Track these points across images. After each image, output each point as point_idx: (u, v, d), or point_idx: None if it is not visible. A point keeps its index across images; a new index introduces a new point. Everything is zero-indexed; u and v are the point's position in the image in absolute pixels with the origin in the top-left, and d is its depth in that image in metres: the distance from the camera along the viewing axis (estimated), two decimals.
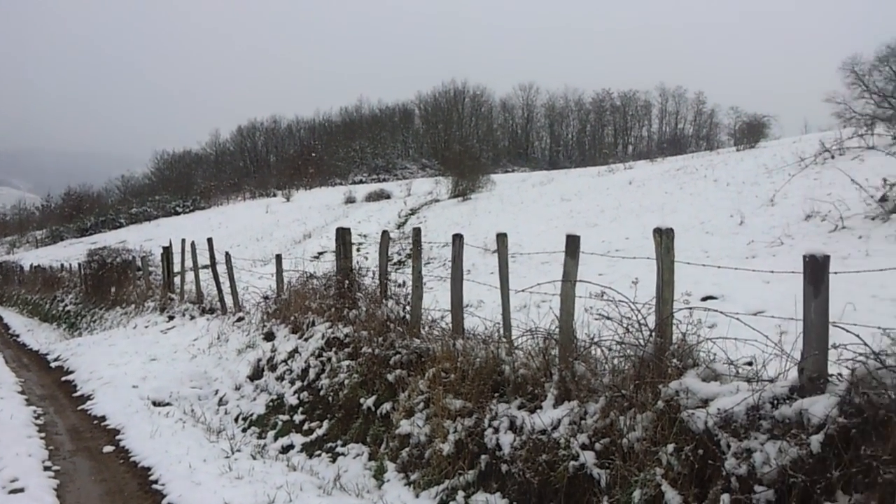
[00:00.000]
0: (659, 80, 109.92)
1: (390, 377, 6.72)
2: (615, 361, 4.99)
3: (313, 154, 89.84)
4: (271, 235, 34.50)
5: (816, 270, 3.79)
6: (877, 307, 7.41)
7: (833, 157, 19.52)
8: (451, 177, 42.03)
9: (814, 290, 3.81)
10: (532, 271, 13.33)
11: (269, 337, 9.85)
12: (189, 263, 15.91)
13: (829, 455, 3.48)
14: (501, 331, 6.34)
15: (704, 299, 8.97)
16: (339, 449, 6.76)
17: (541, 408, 5.17)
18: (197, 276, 15.42)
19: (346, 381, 7.32)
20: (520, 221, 23.66)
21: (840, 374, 3.78)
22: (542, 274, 10.80)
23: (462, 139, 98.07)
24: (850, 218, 12.20)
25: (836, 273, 3.92)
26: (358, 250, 23.14)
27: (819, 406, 3.58)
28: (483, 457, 5.25)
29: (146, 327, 14.65)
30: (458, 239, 6.91)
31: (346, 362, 7.58)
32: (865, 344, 3.72)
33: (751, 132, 37.57)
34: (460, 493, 5.16)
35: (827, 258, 3.81)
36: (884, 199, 12.25)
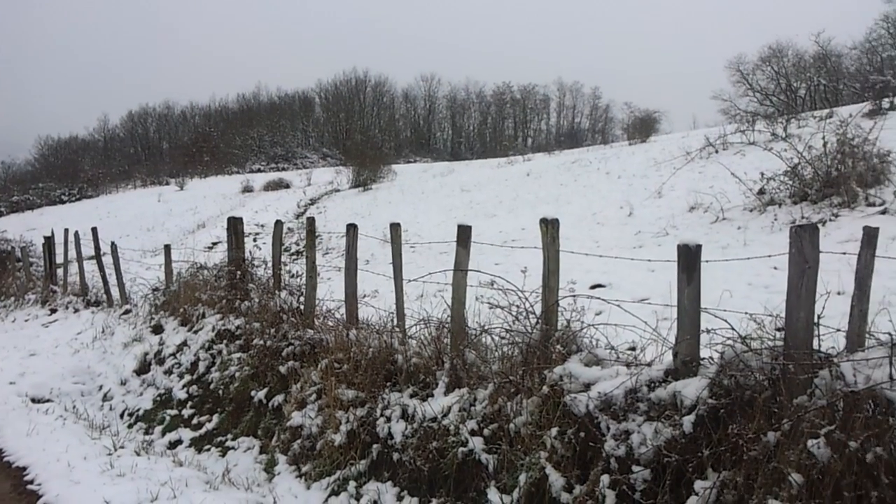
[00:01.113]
0: (557, 75, 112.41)
1: (282, 369, 6.63)
2: (504, 348, 5.09)
3: (209, 141, 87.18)
4: (163, 225, 33.30)
5: (689, 259, 3.97)
6: (751, 293, 7.83)
7: (717, 151, 20.49)
8: (352, 167, 41.67)
9: (687, 278, 4.00)
10: (431, 261, 13.41)
11: (158, 330, 9.53)
12: (73, 254, 15.17)
13: (700, 434, 3.66)
14: (395, 320, 6.35)
15: (594, 287, 9.26)
16: (229, 443, 6.62)
17: (432, 396, 5.22)
18: (81, 268, 14.73)
19: (237, 374, 7.17)
20: (420, 212, 23.74)
21: (711, 358, 3.99)
22: (440, 264, 10.88)
23: (364, 129, 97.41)
24: (731, 209, 12.84)
25: (707, 261, 4.13)
26: (255, 240, 22.65)
27: (691, 388, 3.77)
28: (375, 446, 5.26)
29: (26, 321, 13.89)
30: (352, 229, 6.87)
31: (238, 355, 7.42)
32: (734, 329, 3.94)
33: (642, 127, 38.98)
34: (352, 483, 5.15)
35: (699, 247, 4.00)
36: (761, 192, 12.95)
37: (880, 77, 24.04)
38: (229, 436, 6.73)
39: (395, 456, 5.05)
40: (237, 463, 6.13)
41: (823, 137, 12.17)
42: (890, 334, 3.36)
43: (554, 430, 4.18)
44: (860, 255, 3.63)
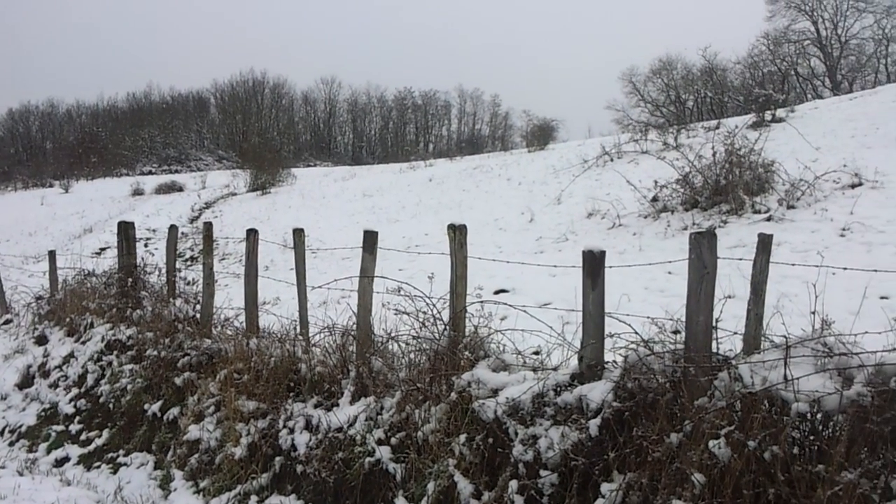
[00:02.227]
0: (458, 82, 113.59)
1: (178, 381, 6.34)
2: (411, 355, 5.04)
3: (96, 142, 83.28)
4: (47, 230, 31.53)
5: (593, 265, 4.04)
6: (649, 298, 8.07)
7: (612, 160, 21.14)
8: (249, 170, 40.67)
9: (591, 283, 4.06)
10: (333, 267, 13.24)
11: (42, 341, 8.96)
12: None
13: (606, 437, 3.72)
14: (298, 328, 6.20)
15: (497, 293, 9.34)
16: (121, 459, 6.28)
17: (338, 405, 5.11)
18: None
19: (130, 387, 6.82)
20: (321, 217, 23.42)
21: (615, 361, 4.06)
22: (343, 269, 10.75)
23: (262, 131, 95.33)
24: (626, 216, 13.25)
25: (611, 267, 4.21)
26: (146, 246, 21.75)
27: (596, 392, 3.82)
28: (278, 459, 5.10)
29: None
30: (252, 234, 6.67)
31: (130, 366, 7.07)
32: (636, 332, 4.02)
33: (541, 135, 39.79)
34: (253, 498, 4.97)
35: (603, 253, 4.07)
36: (655, 199, 13.43)
37: (762, 91, 25.43)
38: (121, 452, 6.39)
39: (299, 468, 4.91)
40: (130, 480, 5.82)
41: (712, 147, 12.73)
42: (784, 337, 3.50)
43: (462, 437, 4.16)
44: (756, 261, 3.78)
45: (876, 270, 4.89)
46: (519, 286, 9.53)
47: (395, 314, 5.24)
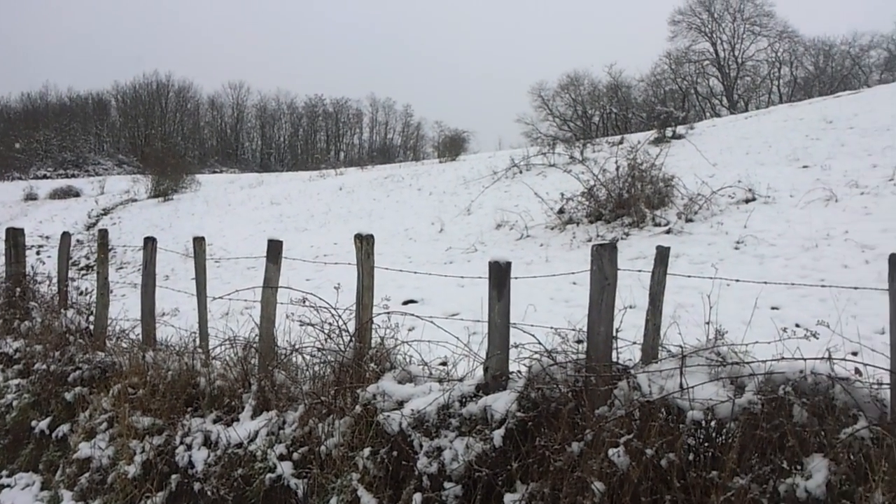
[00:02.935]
0: (370, 91, 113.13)
1: (69, 396, 6.03)
2: (316, 368, 4.93)
3: None
4: None
5: (499, 275, 4.06)
6: (554, 308, 8.21)
7: (521, 172, 21.48)
8: (151, 175, 39.28)
9: (497, 294, 4.08)
10: (237, 277, 12.91)
11: None
12: None
13: (510, 448, 3.74)
14: (198, 340, 5.99)
15: (406, 303, 9.30)
16: (4, 480, 5.92)
17: (238, 420, 4.96)
18: None
19: (16, 403, 6.44)
20: (226, 225, 22.83)
21: (520, 371, 4.09)
22: (247, 279, 10.48)
23: (165, 136, 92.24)
24: (534, 227, 13.47)
25: (516, 278, 4.24)
26: (38, 254, 20.67)
27: (501, 402, 3.83)
28: (174, 476, 4.90)
29: None
30: (150, 242, 6.42)
31: (16, 381, 6.68)
32: (540, 343, 4.06)
33: (453, 146, 40.10)
34: None
35: (508, 264, 4.10)
36: (561, 211, 13.71)
37: (664, 108, 26.43)
38: (4, 472, 6.02)
39: (197, 486, 4.74)
40: (14, 502, 5.48)
41: (616, 162, 13.12)
42: (680, 346, 3.61)
43: (366, 451, 4.10)
44: (653, 273, 3.88)
45: (766, 283, 5.11)
46: (428, 297, 9.52)
47: (300, 326, 5.13)
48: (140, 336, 6.42)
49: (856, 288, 4.64)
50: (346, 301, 5.03)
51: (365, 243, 4.80)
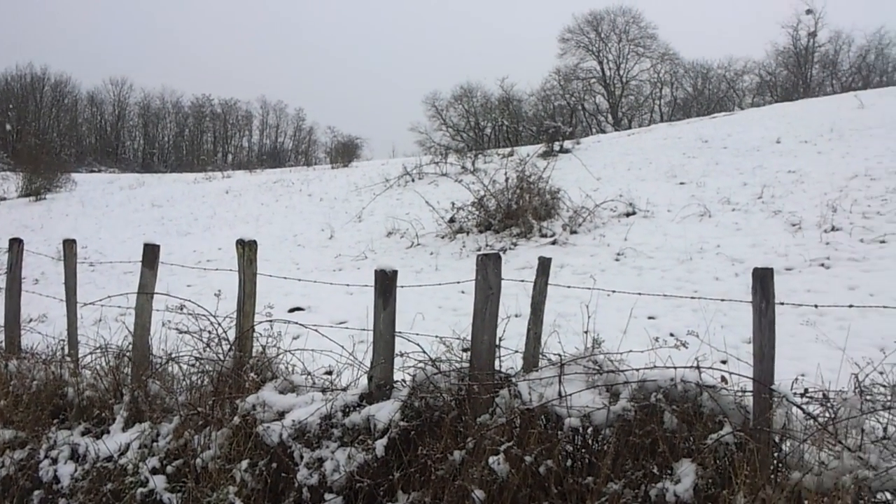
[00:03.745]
0: (261, 93, 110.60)
1: None
2: (193, 378, 4.76)
3: None
4: None
5: (385, 284, 4.04)
6: (442, 316, 8.25)
7: (413, 180, 21.54)
8: (23, 173, 36.97)
9: (383, 303, 4.06)
10: (113, 282, 12.30)
11: None
12: None
13: (392, 457, 3.71)
14: (67, 349, 5.65)
15: (292, 311, 9.12)
16: None
17: (108, 432, 4.71)
18: None
19: None
20: (103, 227, 21.75)
21: (404, 381, 4.08)
22: (124, 285, 10.00)
23: (39, 132, 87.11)
24: (425, 236, 13.52)
25: (402, 287, 4.23)
26: None
27: (384, 412, 3.81)
28: (37, 493, 4.60)
29: None
30: (16, 244, 6.03)
31: None
32: (425, 352, 4.07)
33: (345, 152, 39.81)
34: None
35: (395, 273, 4.09)
36: (452, 220, 13.84)
37: (553, 123, 27.16)
38: None
39: (62, 502, 4.46)
40: None
41: (506, 173, 13.37)
42: (559, 355, 3.69)
43: (244, 463, 3.98)
44: (536, 283, 3.96)
45: (640, 294, 5.31)
46: (315, 304, 9.38)
47: (178, 334, 4.93)
48: (2, 343, 6.01)
49: (723, 300, 4.88)
50: (227, 308, 4.88)
51: (247, 249, 4.67)
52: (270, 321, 4.78)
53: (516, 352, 4.02)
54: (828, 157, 15.63)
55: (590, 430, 3.47)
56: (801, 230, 10.31)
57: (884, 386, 3.21)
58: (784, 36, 55.40)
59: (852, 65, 53.42)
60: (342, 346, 4.60)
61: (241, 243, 4.68)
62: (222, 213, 21.77)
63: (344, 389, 4.21)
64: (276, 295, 9.26)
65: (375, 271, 4.10)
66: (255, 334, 4.69)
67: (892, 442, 3.05)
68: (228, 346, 4.62)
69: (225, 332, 4.75)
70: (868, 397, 3.16)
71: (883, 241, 9.29)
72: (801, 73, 53.74)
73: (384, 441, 3.69)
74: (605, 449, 3.37)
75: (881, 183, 12.27)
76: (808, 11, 52.28)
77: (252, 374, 4.39)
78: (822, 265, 8.78)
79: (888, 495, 2.93)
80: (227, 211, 22.21)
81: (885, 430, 3.12)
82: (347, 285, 6.78)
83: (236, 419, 4.15)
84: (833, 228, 10.07)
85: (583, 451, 3.51)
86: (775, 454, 3.19)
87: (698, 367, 3.40)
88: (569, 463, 3.47)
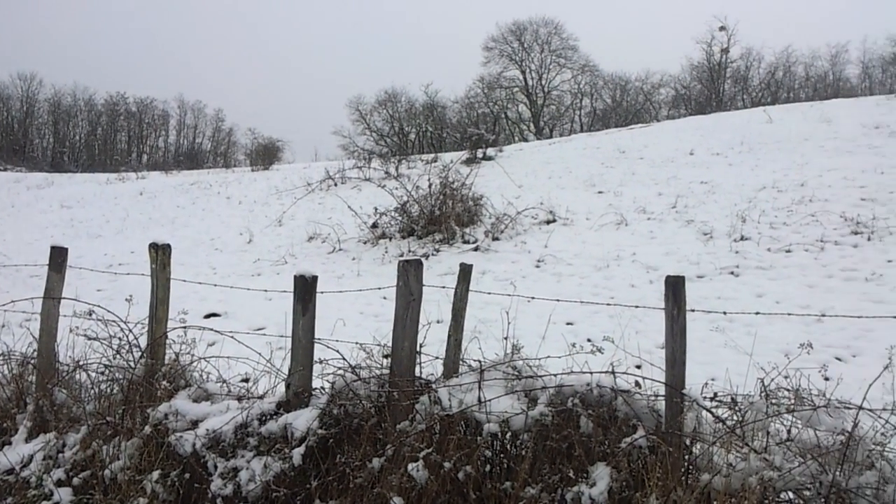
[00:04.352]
0: (178, 91, 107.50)
1: None
2: (102, 386, 4.58)
3: None
4: None
5: (304, 290, 3.98)
6: (363, 322, 8.19)
7: (336, 184, 21.35)
8: None
9: (302, 309, 4.00)
10: (19, 286, 11.73)
11: None
12: None
13: (310, 466, 3.66)
14: None
15: (208, 317, 8.89)
16: None
17: (10, 444, 4.48)
18: None
19: None
20: (8, 228, 20.75)
21: (323, 388, 4.03)
22: (31, 289, 9.54)
23: None
24: (347, 241, 13.41)
25: (322, 292, 4.18)
26: None
27: (302, 420, 3.75)
28: None
29: None
30: None
31: None
32: (345, 358, 4.03)
33: (266, 154, 39.08)
34: None
35: (315, 278, 4.03)
36: (375, 225, 13.77)
37: (476, 130, 27.39)
38: None
39: None
40: None
41: (429, 179, 13.41)
42: (479, 361, 3.71)
43: (155, 474, 3.85)
44: (457, 289, 3.98)
45: (559, 300, 5.40)
46: (233, 310, 9.17)
47: (86, 340, 4.74)
48: None
49: (637, 306, 5.02)
50: (139, 314, 4.72)
51: (161, 253, 4.53)
52: (185, 327, 4.65)
53: (437, 358, 4.03)
54: (738, 169, 16.27)
55: (508, 435, 3.50)
56: (713, 239, 10.69)
57: (788, 390, 3.35)
58: (698, 51, 57.46)
59: (762, 81, 55.85)
60: (259, 354, 4.51)
61: (154, 247, 4.54)
62: (136, 216, 21.08)
63: (261, 397, 4.13)
64: (191, 300, 9.02)
65: (295, 276, 4.04)
66: (168, 341, 4.55)
67: (796, 443, 3.19)
68: (140, 354, 4.47)
69: (136, 338, 4.60)
70: (773, 401, 3.29)
71: (788, 251, 9.72)
72: (714, 88, 55.85)
73: (301, 449, 3.63)
74: (523, 454, 3.40)
75: (787, 195, 12.85)
76: (722, 28, 54.40)
77: (164, 382, 4.26)
78: (732, 273, 9.12)
79: (791, 494, 3.06)
80: (140, 213, 21.52)
81: (788, 432, 3.25)
82: (266, 291, 6.66)
83: (147, 428, 4.01)
84: (742, 238, 10.49)
85: (501, 456, 3.54)
86: (686, 457, 3.29)
87: (613, 372, 3.48)
88: (487, 468, 3.49)
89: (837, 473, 2.92)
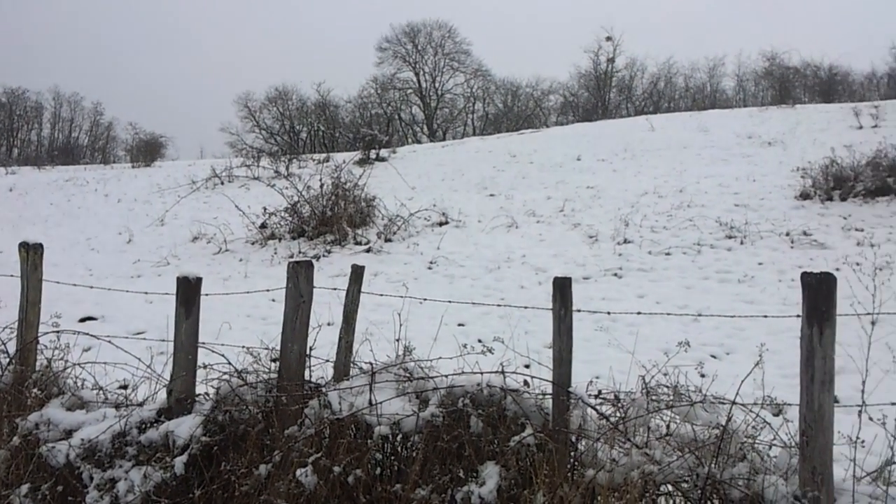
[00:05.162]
0: (53, 83, 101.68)
1: None
2: None
3: None
4: None
5: (188, 292, 3.84)
6: (250, 325, 7.99)
7: (223, 183, 20.75)
8: None
9: (185, 312, 3.85)
10: None
11: None
12: None
13: (193, 475, 3.53)
14: None
15: (84, 320, 8.44)
16: None
17: None
18: None
19: None
20: None
21: (207, 394, 3.89)
22: None
23: None
24: (234, 241, 13.05)
25: (207, 294, 4.04)
26: None
27: (184, 427, 3.61)
28: None
29: None
30: None
31: None
32: (230, 363, 3.91)
33: (148, 151, 37.52)
34: None
35: (199, 280, 3.90)
36: (263, 226, 13.46)
37: (369, 131, 27.30)
38: None
39: None
40: None
41: (321, 179, 13.24)
42: (371, 364, 3.68)
43: (24, 487, 3.62)
44: (348, 291, 3.93)
45: (451, 301, 5.44)
46: (110, 313, 8.74)
47: None
48: None
49: (526, 307, 5.12)
50: (8, 318, 4.45)
51: (32, 253, 4.27)
52: (58, 332, 4.39)
53: (328, 361, 3.97)
54: (622, 174, 16.92)
55: (399, 437, 3.49)
56: (598, 242, 11.06)
57: (667, 387, 3.50)
58: (586, 60, 59.24)
59: (645, 90, 58.27)
60: (139, 359, 4.32)
61: (24, 246, 4.27)
62: (5, 213, 19.76)
63: (140, 405, 3.95)
64: (65, 303, 8.52)
65: (178, 278, 3.89)
66: (39, 346, 4.29)
67: (674, 438, 3.33)
68: (8, 360, 4.19)
69: (4, 344, 4.31)
70: (654, 397, 3.42)
71: (668, 254, 10.18)
72: (600, 96, 57.80)
73: (184, 458, 3.50)
74: (414, 455, 3.40)
75: (667, 200, 13.47)
76: (608, 38, 56.36)
77: (35, 390, 4.01)
78: (616, 275, 9.46)
79: (670, 487, 3.19)
80: (10, 211, 20.20)
81: (668, 427, 3.39)
82: (146, 293, 6.39)
83: (16, 440, 3.76)
84: (625, 241, 10.90)
85: (392, 458, 3.53)
86: (572, 453, 3.37)
87: (503, 372, 3.53)
88: (378, 471, 3.47)
89: (713, 466, 3.07)
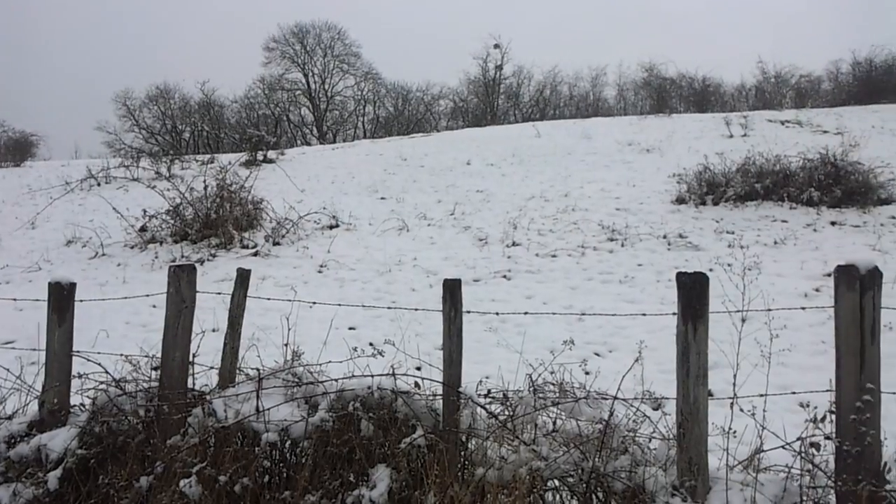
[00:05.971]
0: None
1: None
2: None
3: None
4: None
5: (61, 298, 3.64)
6: (130, 333, 7.65)
7: (100, 184, 19.76)
8: None
9: (58, 319, 3.65)
10: None
11: None
12: None
13: (68, 490, 3.36)
14: None
15: None
16: None
17: None
18: None
19: None
20: None
21: (83, 405, 3.71)
22: None
23: None
24: (112, 245, 12.45)
25: (81, 301, 3.85)
26: None
27: (58, 440, 3.42)
28: None
29: None
30: None
31: None
32: (108, 372, 3.73)
33: (17, 149, 35.33)
34: None
35: (73, 285, 3.70)
36: (143, 229, 12.90)
37: (256, 132, 26.66)
38: None
39: None
40: None
41: (205, 181, 12.80)
42: (258, 369, 3.60)
43: None
44: (233, 295, 3.83)
45: (341, 305, 5.40)
46: None
47: None
48: None
49: (417, 309, 5.14)
50: None
51: None
52: None
53: (212, 368, 3.85)
54: (510, 179, 17.27)
55: (288, 443, 3.43)
56: (488, 245, 11.24)
57: (553, 384, 3.60)
58: (475, 67, 60.14)
59: (532, 98, 59.65)
60: (7, 370, 4.06)
61: None
62: None
63: (9, 418, 3.72)
64: None
65: (50, 284, 3.68)
66: None
67: (560, 434, 3.43)
68: None
69: None
70: (540, 395, 3.52)
71: (554, 256, 10.46)
72: (489, 102, 58.77)
73: (58, 472, 3.32)
74: (303, 461, 3.35)
75: (553, 204, 13.85)
76: (496, 46, 57.38)
77: None
78: (505, 277, 9.64)
79: (557, 482, 3.28)
80: None
81: (554, 423, 3.49)
82: (15, 300, 6.00)
83: None
84: (514, 244, 11.13)
85: (281, 465, 3.46)
86: (462, 453, 3.41)
87: (394, 374, 3.53)
88: (266, 479, 3.39)
89: (597, 460, 3.18)
